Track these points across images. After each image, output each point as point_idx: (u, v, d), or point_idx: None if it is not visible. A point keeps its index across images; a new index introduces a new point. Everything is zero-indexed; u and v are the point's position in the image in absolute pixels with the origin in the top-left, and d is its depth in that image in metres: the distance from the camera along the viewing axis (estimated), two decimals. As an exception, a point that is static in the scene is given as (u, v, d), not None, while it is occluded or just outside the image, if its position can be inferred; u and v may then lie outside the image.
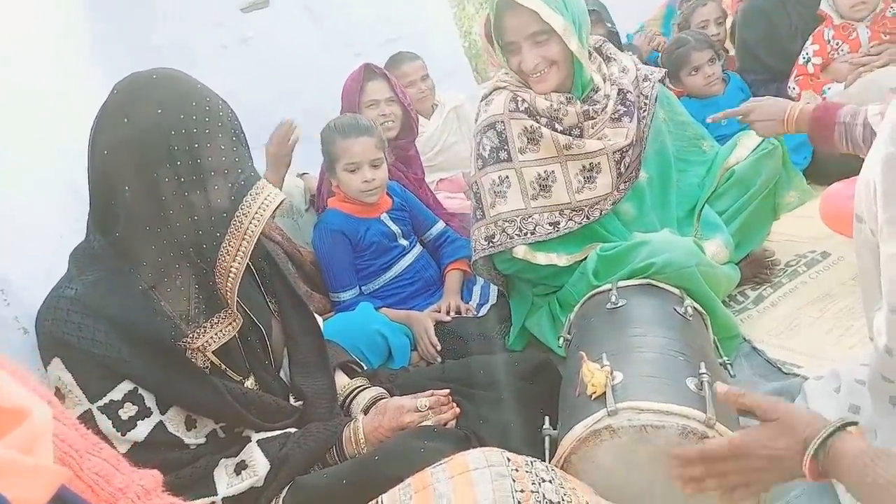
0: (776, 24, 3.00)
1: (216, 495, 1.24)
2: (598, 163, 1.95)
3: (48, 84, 1.79)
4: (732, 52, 3.62)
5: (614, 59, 2.09)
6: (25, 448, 0.58)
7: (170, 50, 2.88)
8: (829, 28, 2.79)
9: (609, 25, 3.44)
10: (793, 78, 2.90)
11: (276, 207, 1.26)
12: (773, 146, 2.09)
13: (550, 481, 1.03)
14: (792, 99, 2.86)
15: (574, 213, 1.95)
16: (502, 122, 1.96)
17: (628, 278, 1.71)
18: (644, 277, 1.69)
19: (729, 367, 1.57)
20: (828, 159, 2.68)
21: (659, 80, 2.11)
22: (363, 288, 2.31)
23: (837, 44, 2.77)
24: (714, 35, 3.38)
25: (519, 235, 1.93)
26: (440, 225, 2.50)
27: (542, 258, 1.93)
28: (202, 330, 1.25)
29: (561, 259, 1.94)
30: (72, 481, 0.79)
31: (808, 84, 2.84)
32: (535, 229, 1.93)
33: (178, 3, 3.07)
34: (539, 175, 1.94)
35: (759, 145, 2.09)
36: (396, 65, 3.10)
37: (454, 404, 1.49)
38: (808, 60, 2.85)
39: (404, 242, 2.35)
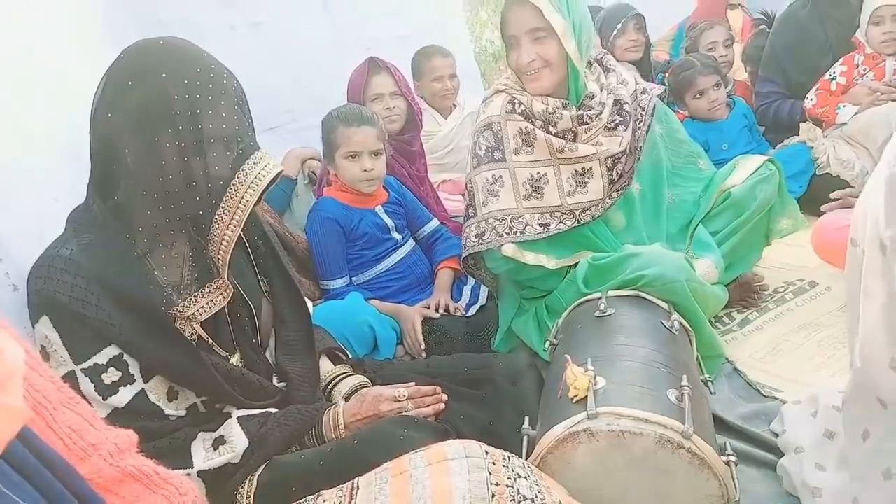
0: (810, 37, 3.03)
1: (192, 468, 1.24)
2: (590, 168, 1.96)
3: (53, 51, 1.79)
4: (741, 77, 3.65)
5: (614, 71, 2.10)
6: None
7: (178, 25, 2.86)
8: (861, 54, 2.87)
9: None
10: (813, 90, 2.95)
11: (274, 179, 1.26)
12: (771, 172, 2.12)
13: (526, 478, 1.04)
14: (804, 110, 2.94)
15: (565, 216, 1.96)
16: (499, 122, 1.98)
17: (618, 288, 1.72)
18: (634, 289, 1.71)
19: (710, 384, 1.59)
20: (823, 190, 2.73)
21: (657, 96, 2.13)
22: (353, 278, 2.31)
23: (864, 70, 2.86)
24: (722, 57, 3.40)
25: (509, 234, 1.94)
26: (434, 222, 2.50)
27: (531, 258, 1.94)
28: (193, 299, 1.25)
29: (550, 262, 1.95)
30: (43, 432, 0.77)
31: (825, 99, 2.91)
32: (525, 229, 1.94)
33: (188, -21, 3.06)
34: (532, 176, 1.96)
35: (756, 169, 2.11)
36: (427, 57, 3.07)
37: (441, 400, 1.48)
38: (834, 79, 2.91)
39: (397, 236, 2.36)
